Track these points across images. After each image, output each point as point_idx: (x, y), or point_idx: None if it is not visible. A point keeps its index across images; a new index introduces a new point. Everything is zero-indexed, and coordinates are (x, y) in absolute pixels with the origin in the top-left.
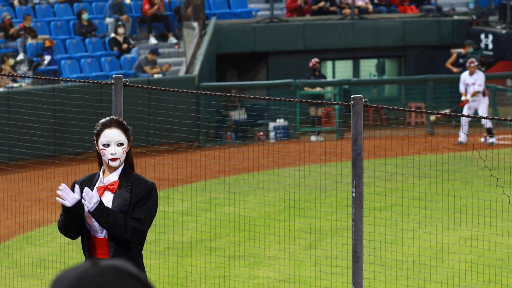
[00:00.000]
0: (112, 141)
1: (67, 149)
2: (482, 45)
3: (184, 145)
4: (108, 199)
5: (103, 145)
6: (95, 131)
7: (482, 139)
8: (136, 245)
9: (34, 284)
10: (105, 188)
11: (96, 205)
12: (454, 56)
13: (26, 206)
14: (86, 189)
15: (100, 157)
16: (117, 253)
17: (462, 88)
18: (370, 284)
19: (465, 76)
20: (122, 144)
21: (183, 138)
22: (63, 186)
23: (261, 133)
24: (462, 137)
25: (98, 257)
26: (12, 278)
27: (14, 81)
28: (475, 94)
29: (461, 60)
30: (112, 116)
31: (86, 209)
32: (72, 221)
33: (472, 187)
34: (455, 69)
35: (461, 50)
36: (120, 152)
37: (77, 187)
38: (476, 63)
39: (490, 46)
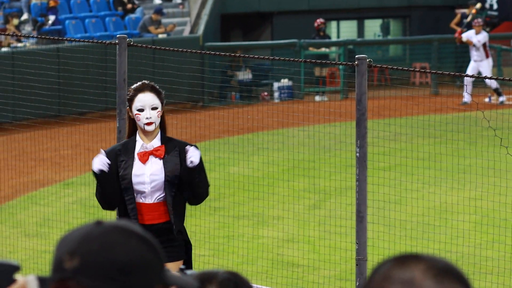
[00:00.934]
0: (147, 105)
1: (71, 109)
2: (487, 6)
3: (188, 105)
4: (155, 164)
5: (138, 110)
6: (127, 97)
7: (487, 99)
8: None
9: (39, 243)
10: (150, 153)
11: (199, 159)
12: (458, 16)
13: (30, 166)
14: (191, 148)
15: (133, 123)
16: (176, 217)
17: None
18: (374, 243)
19: (470, 34)
20: (156, 108)
21: (188, 98)
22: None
23: (266, 93)
24: (466, 97)
25: (145, 223)
26: (16, 238)
27: (19, 41)
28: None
29: (465, 20)
30: (144, 81)
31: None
32: (104, 186)
33: (476, 147)
34: (459, 30)
35: (465, 10)
36: (155, 116)
37: (102, 156)
38: (481, 23)
39: (495, 6)
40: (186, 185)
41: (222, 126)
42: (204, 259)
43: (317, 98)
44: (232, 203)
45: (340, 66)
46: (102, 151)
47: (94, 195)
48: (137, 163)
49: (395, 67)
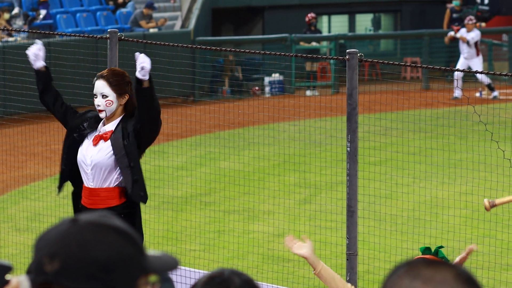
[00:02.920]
0: (98, 92)
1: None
2: (478, 0)
3: (179, 100)
4: (101, 149)
5: (94, 96)
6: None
7: (478, 94)
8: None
9: (29, 238)
10: (100, 137)
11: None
12: (448, 12)
13: (21, 161)
14: (140, 55)
15: None
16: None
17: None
18: (364, 238)
19: (462, 32)
20: (106, 96)
21: (178, 92)
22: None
23: (257, 88)
24: (457, 92)
25: (89, 207)
26: (7, 232)
27: (10, 35)
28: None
29: (454, 15)
30: (111, 68)
31: (140, 75)
32: (41, 82)
33: (467, 142)
34: (455, 28)
35: (453, 5)
36: (103, 104)
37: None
38: (474, 21)
39: (486, 0)
40: (139, 103)
41: (213, 120)
42: (195, 253)
43: (308, 92)
44: (223, 198)
45: (331, 61)
46: (39, 42)
47: None
48: (88, 143)
49: (386, 62)
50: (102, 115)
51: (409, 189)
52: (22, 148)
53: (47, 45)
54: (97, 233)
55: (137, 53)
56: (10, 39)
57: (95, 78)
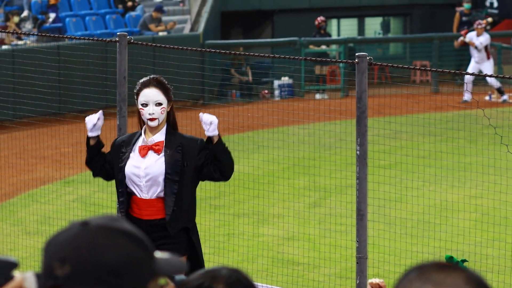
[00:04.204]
0: (150, 101)
1: (72, 107)
2: (487, 3)
3: (189, 103)
4: (152, 159)
5: (142, 104)
6: (135, 91)
7: (487, 98)
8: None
9: (39, 241)
10: (150, 148)
11: (217, 131)
12: (457, 15)
13: (31, 164)
14: (204, 114)
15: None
16: (176, 214)
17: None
18: (374, 241)
19: (471, 35)
20: (160, 104)
21: (188, 96)
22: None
23: (266, 91)
24: (467, 96)
25: (143, 218)
26: (17, 235)
27: (19, 38)
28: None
29: (464, 18)
30: (153, 75)
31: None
32: (92, 152)
33: (477, 146)
34: (463, 32)
35: (462, 8)
36: (158, 112)
37: (101, 117)
38: (483, 25)
39: (495, 4)
40: (212, 158)
41: (223, 124)
42: (205, 257)
43: (318, 96)
44: (233, 201)
45: (341, 64)
46: (101, 112)
47: (94, 193)
48: (136, 156)
49: (396, 65)
50: (154, 123)
51: (418, 192)
52: (32, 151)
53: (56, 49)
54: (107, 237)
55: (200, 114)
56: (20, 42)
57: (140, 87)
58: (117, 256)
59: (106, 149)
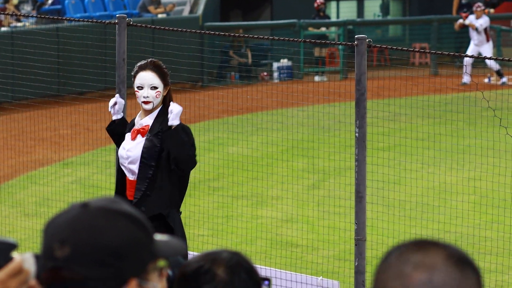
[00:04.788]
0: (146, 84)
1: (71, 89)
2: None
3: (188, 85)
4: (137, 143)
5: (137, 87)
6: (132, 73)
7: (486, 80)
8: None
9: (38, 223)
10: (138, 131)
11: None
12: None
13: (29, 146)
14: (173, 104)
15: None
16: (148, 198)
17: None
18: (373, 224)
19: (471, 18)
20: (155, 88)
21: (187, 78)
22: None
23: (265, 73)
24: (466, 78)
25: (128, 198)
26: (15, 217)
27: (18, 20)
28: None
29: (463, 1)
30: (151, 59)
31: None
32: (113, 134)
33: (476, 128)
34: (463, 15)
35: None
36: (153, 96)
37: (119, 101)
38: (482, 8)
39: None
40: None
41: (222, 106)
42: (203, 239)
43: (317, 78)
44: (231, 183)
45: (340, 46)
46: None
47: (93, 174)
48: (128, 138)
49: (395, 47)
50: (148, 106)
51: (417, 174)
52: (30, 133)
53: (55, 31)
54: (107, 219)
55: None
56: (19, 24)
57: (137, 69)
58: (117, 238)
59: None
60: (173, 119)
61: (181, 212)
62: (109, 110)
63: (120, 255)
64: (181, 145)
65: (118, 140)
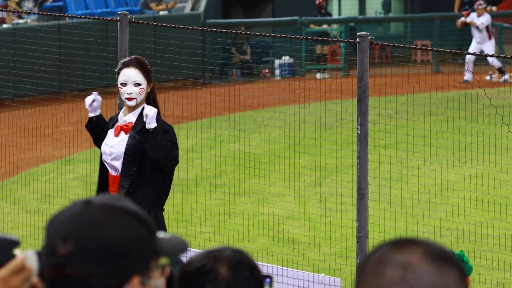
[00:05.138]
0: (129, 81)
1: (72, 86)
2: None
3: (189, 82)
4: (121, 139)
5: (121, 83)
6: (116, 69)
7: (488, 77)
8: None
9: (39, 219)
10: (121, 128)
11: (154, 125)
12: None
13: (31, 142)
14: (148, 107)
15: None
16: (127, 194)
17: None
18: (374, 221)
19: (472, 16)
20: (139, 85)
21: (189, 75)
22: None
23: (267, 71)
24: (468, 76)
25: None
26: (17, 214)
27: (20, 17)
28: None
29: None
30: (134, 56)
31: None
32: (92, 132)
33: (478, 125)
34: (465, 13)
35: None
36: (136, 92)
37: (97, 98)
38: (484, 6)
39: None
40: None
41: (223, 103)
42: (205, 235)
43: (318, 75)
44: (233, 180)
45: (342, 44)
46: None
47: (94, 171)
48: (111, 134)
49: (397, 45)
50: (132, 103)
51: (419, 172)
52: (32, 130)
53: (57, 28)
54: (110, 216)
55: (145, 106)
56: (20, 21)
57: (121, 66)
58: (120, 235)
59: None
60: (150, 123)
61: (163, 210)
62: (87, 107)
63: (122, 252)
64: (158, 147)
65: (98, 137)
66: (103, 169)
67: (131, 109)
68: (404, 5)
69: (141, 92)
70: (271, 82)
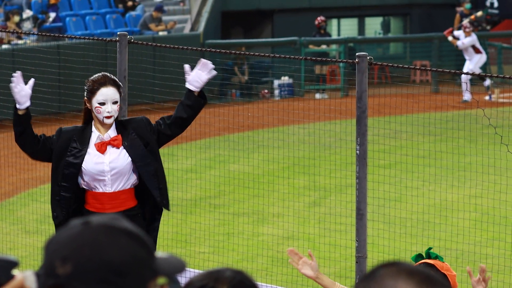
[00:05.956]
0: (109, 100)
1: (72, 106)
2: (488, 3)
3: None
4: (114, 154)
5: (99, 103)
6: (87, 88)
7: (487, 97)
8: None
9: (38, 240)
10: (108, 143)
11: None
12: (458, 16)
13: (30, 163)
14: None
15: (88, 112)
16: (162, 192)
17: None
18: (373, 241)
19: (459, 33)
20: (116, 102)
21: None
22: (18, 73)
23: (266, 91)
24: (467, 96)
25: (106, 211)
26: (16, 234)
27: (19, 38)
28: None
29: (464, 19)
30: (104, 73)
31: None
32: (21, 123)
33: (477, 145)
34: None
35: (462, 9)
36: (115, 110)
37: (31, 81)
38: (470, 29)
39: (496, 4)
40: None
41: (222, 123)
42: (204, 256)
43: (318, 95)
44: (232, 200)
45: (341, 64)
46: (19, 72)
47: None
48: (94, 153)
49: (396, 65)
50: (110, 120)
51: (418, 192)
52: None
53: (56, 48)
54: (109, 236)
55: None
56: (20, 42)
57: (97, 86)
58: (119, 255)
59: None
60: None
61: None
62: (15, 97)
63: (121, 272)
64: (200, 107)
65: (24, 129)
66: (74, 189)
67: (109, 126)
68: (403, 25)
69: (118, 109)
70: (270, 102)
